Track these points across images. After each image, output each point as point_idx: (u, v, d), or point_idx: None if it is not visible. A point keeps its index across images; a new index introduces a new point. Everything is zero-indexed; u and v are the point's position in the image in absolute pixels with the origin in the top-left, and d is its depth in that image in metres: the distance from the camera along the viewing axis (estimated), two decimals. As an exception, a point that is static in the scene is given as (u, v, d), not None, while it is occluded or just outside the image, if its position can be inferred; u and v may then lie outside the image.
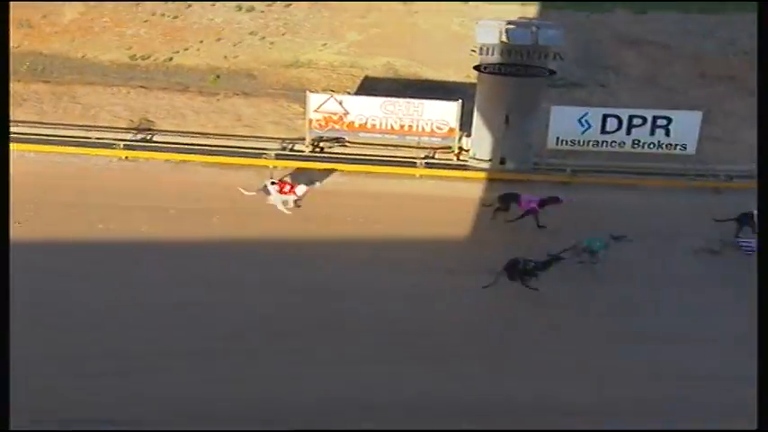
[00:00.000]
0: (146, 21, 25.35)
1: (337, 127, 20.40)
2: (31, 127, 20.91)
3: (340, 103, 20.21)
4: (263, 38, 24.97)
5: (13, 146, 19.67)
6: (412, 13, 25.95)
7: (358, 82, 23.56)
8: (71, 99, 22.31)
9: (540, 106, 19.86)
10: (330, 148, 20.89)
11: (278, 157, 20.22)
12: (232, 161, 20.10)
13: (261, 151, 20.34)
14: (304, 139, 20.61)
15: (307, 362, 13.97)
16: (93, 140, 20.51)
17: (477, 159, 20.21)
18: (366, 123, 20.28)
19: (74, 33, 24.76)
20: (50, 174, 19.36)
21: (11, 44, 23.12)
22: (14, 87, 22.12)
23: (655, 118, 19.82)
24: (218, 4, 25.85)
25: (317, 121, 20.31)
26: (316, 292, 15.65)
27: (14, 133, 20.14)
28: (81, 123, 21.30)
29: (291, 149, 20.74)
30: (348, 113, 20.22)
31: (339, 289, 15.78)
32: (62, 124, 21.19)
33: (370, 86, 23.05)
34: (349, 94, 22.16)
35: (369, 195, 19.11)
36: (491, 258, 16.65)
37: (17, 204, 17.62)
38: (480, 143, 20.09)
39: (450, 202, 19.03)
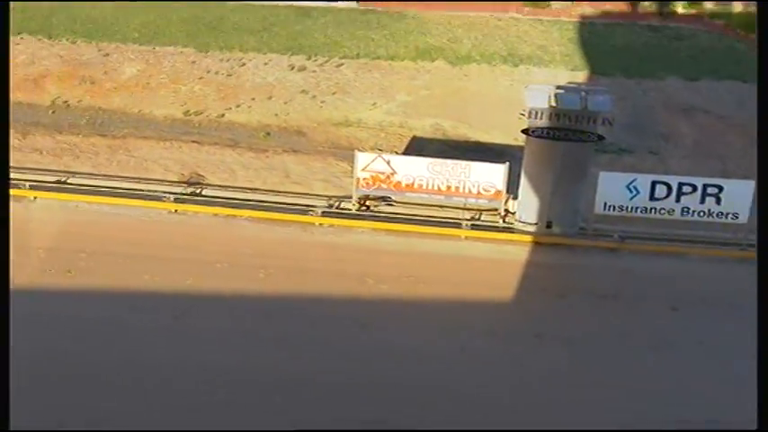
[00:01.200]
0: (201, 78, 26.25)
1: (384, 186, 20.59)
2: (85, 178, 21.55)
3: (388, 163, 20.44)
4: (314, 96, 25.59)
5: (67, 196, 20.62)
6: (462, 76, 26.57)
7: (406, 142, 23.96)
8: (126, 152, 23.01)
9: (589, 171, 19.88)
10: (376, 206, 21.09)
11: (324, 214, 20.52)
12: (279, 217, 20.42)
13: (308, 208, 20.64)
14: (351, 197, 20.86)
15: (352, 421, 13.89)
16: (145, 193, 21.03)
17: (524, 222, 20.24)
18: (413, 183, 20.46)
19: (132, 89, 25.70)
20: (102, 224, 19.88)
21: (73, 99, 24.82)
22: (73, 140, 23.30)
23: (705, 186, 19.67)
24: (271, 63, 26.69)
25: (365, 179, 20.54)
26: (361, 351, 15.67)
27: (69, 184, 21.10)
28: (134, 176, 21.94)
29: (338, 207, 20.98)
30: (395, 173, 20.42)
31: (384, 349, 15.76)
32: (116, 176, 21.84)
33: (418, 147, 23.42)
34: (397, 153, 22.47)
35: (414, 255, 19.22)
36: (535, 321, 16.53)
37: (69, 253, 18.35)
38: (527, 206, 20.15)
39: (495, 264, 19.04)
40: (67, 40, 27.40)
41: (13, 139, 23.08)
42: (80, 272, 17.86)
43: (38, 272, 17.74)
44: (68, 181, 21.37)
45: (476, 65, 26.95)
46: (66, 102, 25.15)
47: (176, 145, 23.41)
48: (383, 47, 27.60)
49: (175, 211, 20.66)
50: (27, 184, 20.76)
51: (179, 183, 21.81)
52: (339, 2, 30.05)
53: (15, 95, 24.92)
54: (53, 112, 24.85)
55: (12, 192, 20.19)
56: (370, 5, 30.11)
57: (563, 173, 19.54)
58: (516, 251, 19.65)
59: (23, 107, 24.93)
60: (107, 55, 26.93)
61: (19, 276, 17.47)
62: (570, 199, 19.91)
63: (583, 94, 19.23)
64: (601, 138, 19.48)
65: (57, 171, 21.80)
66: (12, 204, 19.90)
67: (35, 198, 20.66)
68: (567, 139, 19.19)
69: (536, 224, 20.09)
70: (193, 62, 26.76)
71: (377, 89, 25.88)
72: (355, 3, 30.39)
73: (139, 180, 21.70)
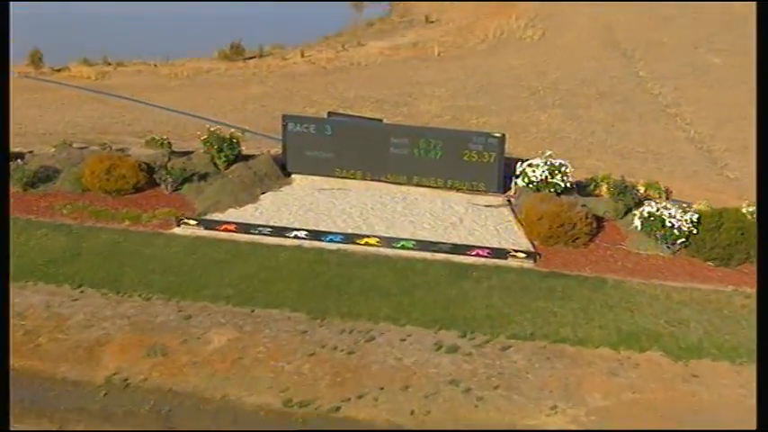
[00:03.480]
0: (312, 354, 23.01)
1: None
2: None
3: None
4: (468, 390, 21.89)
5: None
6: (689, 376, 22.23)
7: (603, 471, 19.72)
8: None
9: None
10: None
11: None
12: None
13: None
14: None
15: None
16: None
17: None
18: None
19: (217, 366, 22.67)
20: None
21: (135, 376, 22.14)
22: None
23: None
24: (409, 339, 23.23)
25: None
26: None
27: None
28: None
29: None
30: None
31: None
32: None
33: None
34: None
35: None
36: None
37: None
38: None
39: None
40: (140, 296, 25.31)
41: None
42: None
43: None
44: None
45: (710, 360, 22.50)
46: (125, 380, 22.34)
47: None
48: (569, 325, 23.90)
49: None
50: None
51: None
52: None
53: (59, 369, 22.65)
54: (105, 395, 22.05)
55: None
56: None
57: None
58: None
59: (68, 386, 22.33)
60: (189, 318, 24.43)
61: None
62: None
63: None
64: None
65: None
66: None
67: None
68: None
69: None
70: (304, 332, 23.72)
71: (558, 386, 21.92)
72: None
73: None
